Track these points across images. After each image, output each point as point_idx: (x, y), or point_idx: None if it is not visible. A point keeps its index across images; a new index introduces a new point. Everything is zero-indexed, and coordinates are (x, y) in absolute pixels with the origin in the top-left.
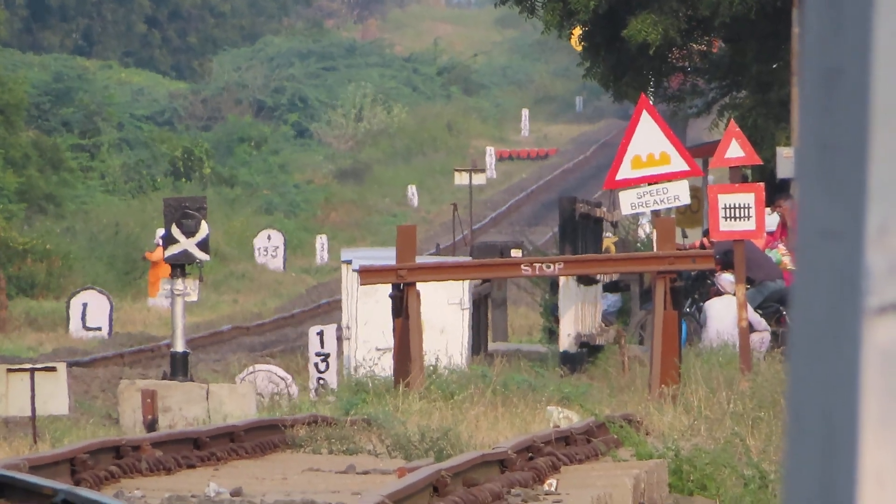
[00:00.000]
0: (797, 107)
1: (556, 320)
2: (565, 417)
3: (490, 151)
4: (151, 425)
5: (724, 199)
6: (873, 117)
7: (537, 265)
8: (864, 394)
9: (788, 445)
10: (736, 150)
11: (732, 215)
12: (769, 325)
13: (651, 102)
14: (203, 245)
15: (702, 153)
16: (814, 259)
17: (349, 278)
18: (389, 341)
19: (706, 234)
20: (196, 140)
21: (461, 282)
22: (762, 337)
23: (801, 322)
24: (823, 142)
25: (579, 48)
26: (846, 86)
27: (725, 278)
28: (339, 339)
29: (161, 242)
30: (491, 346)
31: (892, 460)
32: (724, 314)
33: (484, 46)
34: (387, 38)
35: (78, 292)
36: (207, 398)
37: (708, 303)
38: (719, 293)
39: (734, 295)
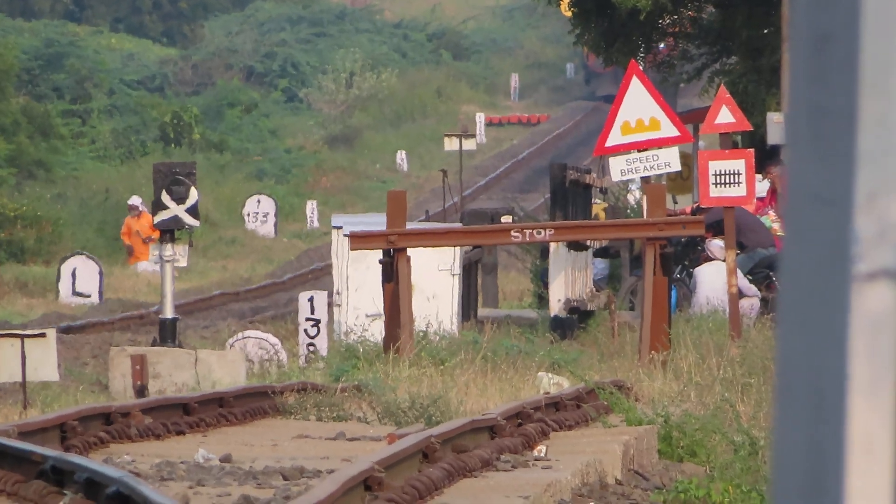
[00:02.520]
0: (787, 73)
1: (546, 286)
2: (555, 384)
3: (480, 117)
4: (141, 391)
5: (715, 166)
6: (863, 83)
7: (528, 231)
8: (853, 360)
9: (777, 412)
10: (726, 115)
11: (723, 181)
12: (759, 290)
13: (641, 68)
14: (193, 211)
15: (692, 119)
16: (803, 225)
17: (340, 244)
18: (380, 307)
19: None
20: (185, 105)
21: (451, 248)
22: (752, 303)
23: (790, 288)
24: (813, 108)
25: (569, 14)
26: (836, 52)
27: (715, 244)
28: (330, 305)
29: (142, 209)
30: (481, 312)
31: (880, 426)
32: (714, 280)
33: (475, 12)
34: (377, 3)
35: (68, 258)
36: (196, 364)
37: (698, 269)
38: (709, 259)
39: (724, 261)
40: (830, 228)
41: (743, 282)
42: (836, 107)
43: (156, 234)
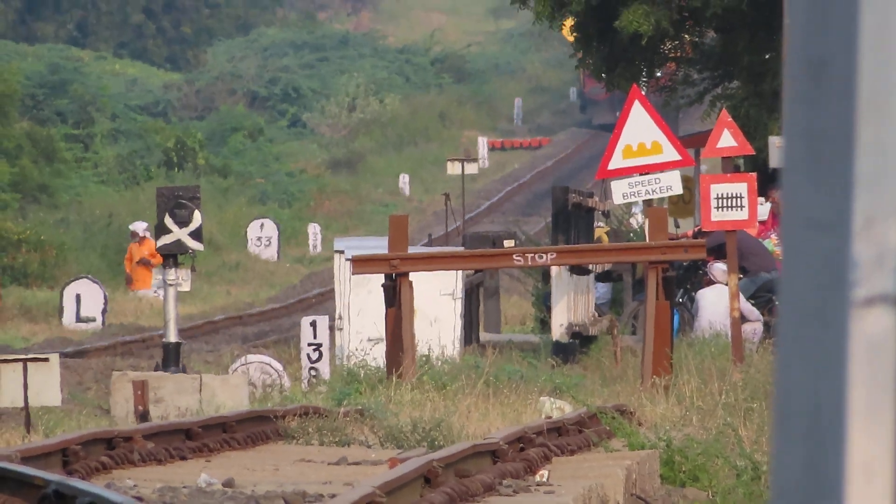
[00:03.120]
0: (784, 97)
1: (549, 310)
2: (558, 408)
3: (482, 141)
4: (143, 416)
5: (717, 189)
6: (859, 108)
7: (529, 255)
8: (852, 384)
9: (776, 436)
10: (728, 139)
11: (725, 205)
12: (762, 315)
13: (643, 93)
14: (196, 235)
15: (694, 143)
16: (801, 250)
17: (342, 268)
18: (382, 331)
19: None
20: (189, 130)
21: (453, 272)
22: (755, 327)
23: (788, 312)
24: (810, 133)
25: (571, 38)
26: (833, 77)
27: (717, 267)
28: (332, 329)
29: (143, 234)
30: (483, 336)
31: (879, 450)
32: (716, 303)
33: (477, 37)
34: (380, 29)
35: (71, 282)
36: (200, 389)
37: (700, 292)
38: (711, 283)
39: (726, 284)
40: (828, 253)
41: (745, 305)
42: (833, 131)
43: (155, 260)
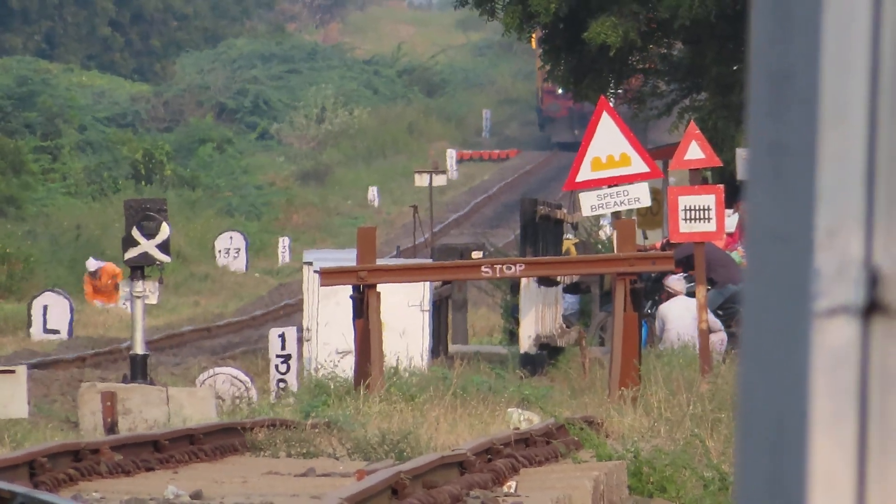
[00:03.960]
0: (748, 109)
1: (517, 322)
2: (526, 419)
3: (451, 153)
4: (111, 428)
5: (685, 201)
6: (822, 120)
7: (498, 267)
8: (814, 396)
9: (739, 447)
10: (696, 151)
11: (693, 217)
12: (730, 325)
13: (611, 104)
14: (164, 247)
15: (662, 155)
16: (763, 261)
17: (310, 280)
18: (350, 343)
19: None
20: (157, 142)
21: (422, 283)
22: (720, 338)
23: (751, 324)
24: (772, 144)
25: (534, 46)
26: (795, 89)
27: (673, 279)
28: (300, 341)
29: (98, 265)
30: (451, 347)
31: (842, 463)
32: (683, 315)
33: (445, 48)
34: (348, 41)
35: (39, 295)
36: (167, 401)
37: (664, 306)
38: (670, 296)
39: (686, 295)
40: (790, 265)
41: (709, 317)
42: (796, 143)
43: (118, 278)
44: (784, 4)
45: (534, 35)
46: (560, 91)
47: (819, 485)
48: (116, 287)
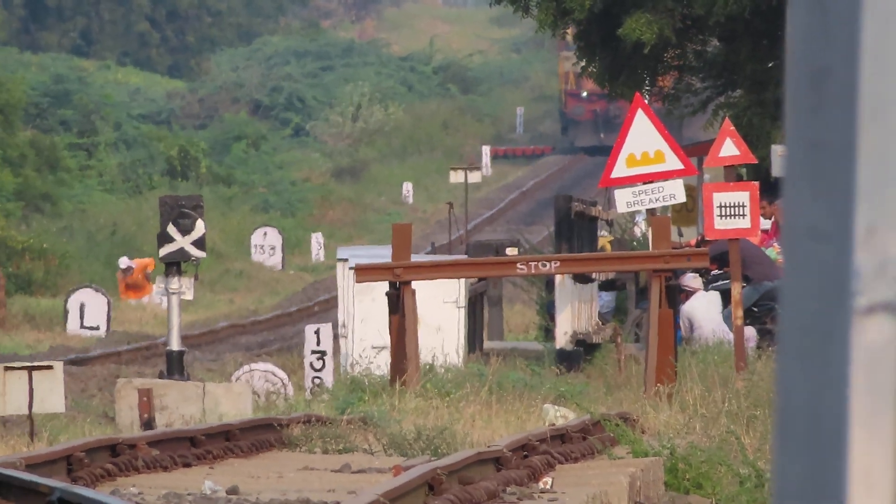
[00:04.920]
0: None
1: (552, 318)
2: (561, 416)
3: (485, 150)
4: (148, 424)
5: (719, 198)
6: (861, 117)
7: (533, 264)
8: (853, 393)
9: (777, 444)
10: (730, 148)
11: (728, 214)
12: (764, 322)
13: (646, 101)
14: (199, 243)
15: (697, 152)
16: (802, 259)
17: (345, 276)
18: (385, 339)
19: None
20: (192, 139)
21: (457, 280)
22: (747, 335)
23: (789, 321)
24: (811, 142)
25: (564, 40)
26: (834, 85)
27: (689, 277)
28: (336, 338)
29: (130, 264)
30: (487, 344)
31: (880, 459)
32: (709, 309)
33: (480, 45)
34: (383, 37)
35: (75, 291)
36: (204, 397)
37: (687, 304)
38: (688, 296)
39: (705, 290)
40: (829, 262)
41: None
42: (835, 141)
43: (150, 269)
44: (822, 1)
45: (568, 31)
46: (584, 94)
47: (857, 481)
48: (148, 277)
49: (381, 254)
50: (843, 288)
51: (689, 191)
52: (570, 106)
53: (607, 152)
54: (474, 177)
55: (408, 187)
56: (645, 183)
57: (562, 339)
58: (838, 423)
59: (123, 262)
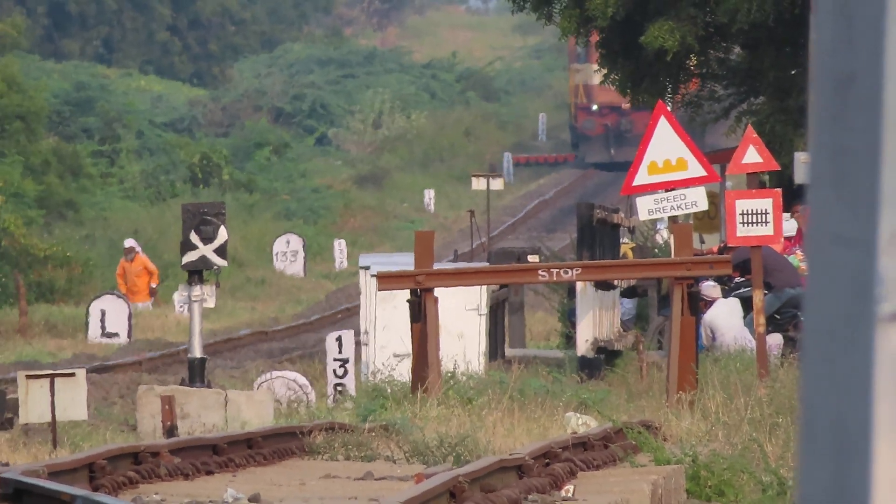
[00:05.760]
0: (811, 113)
1: (574, 326)
2: (583, 423)
3: (507, 157)
4: (170, 431)
5: (742, 205)
6: (886, 123)
7: (554, 271)
8: (878, 400)
9: (802, 451)
10: (753, 155)
11: (750, 221)
12: (787, 329)
13: (668, 108)
14: (221, 251)
15: (719, 159)
16: (826, 265)
17: (367, 284)
18: (407, 347)
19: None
20: (214, 146)
21: (478, 287)
22: (771, 342)
23: (813, 328)
24: (836, 148)
25: (579, 52)
26: (859, 92)
27: (707, 286)
28: (358, 345)
29: (137, 250)
30: (508, 351)
31: None
32: (730, 316)
33: (503, 52)
34: (405, 45)
35: (97, 298)
36: (226, 404)
37: (709, 314)
38: (709, 304)
39: (724, 298)
40: (853, 269)
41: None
42: (859, 147)
43: (154, 280)
44: (847, 9)
45: (591, 39)
46: (594, 107)
47: (882, 490)
48: (152, 292)
49: (404, 261)
50: (867, 294)
51: (712, 198)
52: (581, 120)
53: (619, 168)
54: (496, 184)
55: (430, 195)
56: (667, 190)
57: (583, 347)
58: (863, 430)
59: (129, 242)
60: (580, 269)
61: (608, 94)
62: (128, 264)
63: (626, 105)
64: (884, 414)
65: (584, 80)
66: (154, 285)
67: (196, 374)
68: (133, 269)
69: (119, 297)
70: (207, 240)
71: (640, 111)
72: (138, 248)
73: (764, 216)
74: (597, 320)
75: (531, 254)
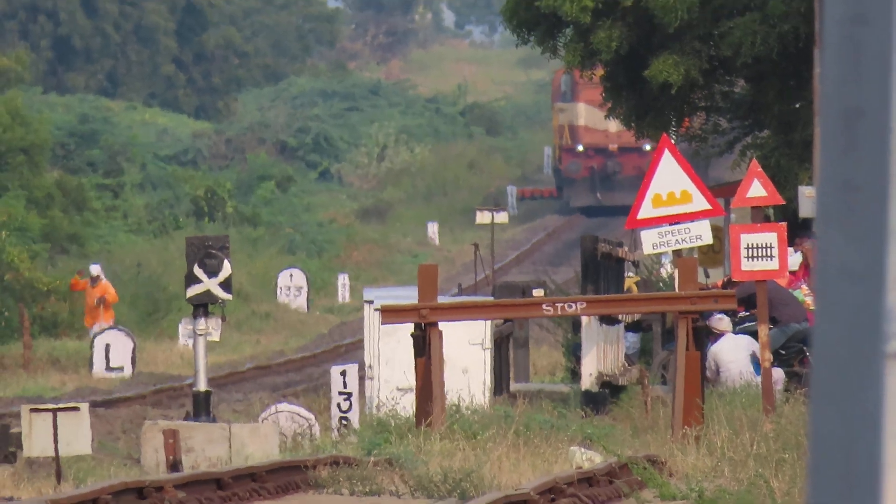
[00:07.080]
0: (818, 147)
1: (578, 360)
2: (588, 458)
3: (511, 190)
4: (174, 466)
5: (747, 239)
6: (894, 158)
7: (559, 305)
8: (887, 437)
9: (810, 488)
10: (758, 189)
11: (755, 255)
12: (792, 364)
13: (673, 142)
14: (226, 285)
15: (724, 193)
16: (834, 300)
17: (371, 318)
18: (411, 381)
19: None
20: (218, 179)
21: (483, 321)
22: (775, 377)
23: (822, 364)
24: (843, 182)
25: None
26: (867, 127)
27: (716, 319)
28: (362, 379)
29: (103, 280)
30: (513, 385)
31: None
32: (735, 351)
33: (507, 86)
34: (410, 78)
35: (101, 332)
36: (230, 438)
37: (714, 347)
38: (717, 337)
39: (733, 333)
40: (861, 304)
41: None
42: (868, 181)
43: (110, 298)
44: (854, 44)
45: (595, 73)
46: (580, 148)
47: None
48: (99, 302)
49: (407, 295)
50: (875, 329)
51: (716, 232)
52: (566, 162)
53: (606, 213)
54: (501, 217)
55: (433, 228)
56: (671, 224)
57: (588, 381)
58: (872, 466)
59: (95, 269)
60: (585, 304)
61: (594, 135)
62: (90, 289)
63: (613, 146)
64: (893, 450)
65: (568, 120)
66: (105, 297)
67: (201, 407)
68: (94, 294)
69: (122, 331)
70: (212, 273)
71: (628, 153)
72: (103, 277)
73: (769, 250)
74: (601, 354)
75: (536, 287)
